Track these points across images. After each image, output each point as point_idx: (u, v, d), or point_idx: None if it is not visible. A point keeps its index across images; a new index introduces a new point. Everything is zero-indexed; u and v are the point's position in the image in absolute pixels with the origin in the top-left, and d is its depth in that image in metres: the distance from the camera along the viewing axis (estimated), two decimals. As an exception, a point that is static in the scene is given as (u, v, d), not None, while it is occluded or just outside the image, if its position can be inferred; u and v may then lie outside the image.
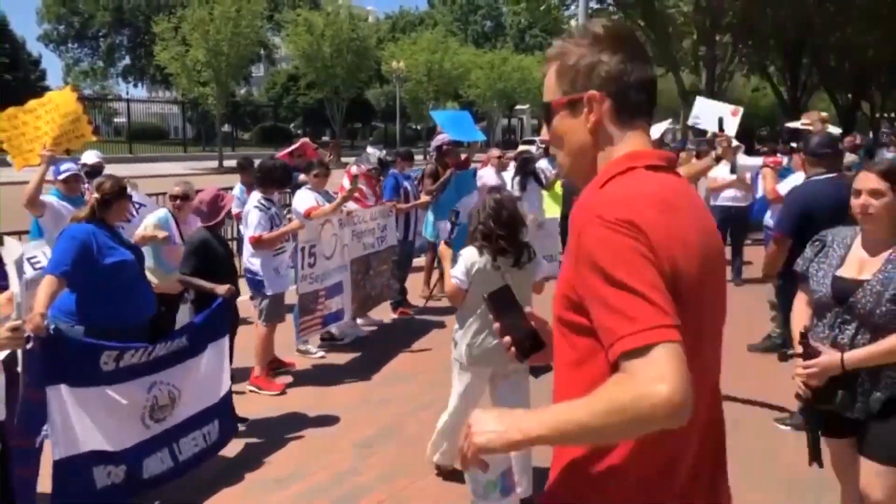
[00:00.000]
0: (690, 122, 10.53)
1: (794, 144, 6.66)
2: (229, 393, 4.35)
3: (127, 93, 50.88)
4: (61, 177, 5.34)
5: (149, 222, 4.97)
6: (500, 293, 1.70)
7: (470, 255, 3.64)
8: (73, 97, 5.53)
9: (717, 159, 5.03)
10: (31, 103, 5.30)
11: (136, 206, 6.60)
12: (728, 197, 8.87)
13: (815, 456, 2.71)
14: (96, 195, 3.92)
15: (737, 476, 4.21)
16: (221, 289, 4.43)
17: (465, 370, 3.79)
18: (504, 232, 3.57)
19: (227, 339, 4.35)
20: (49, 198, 5.17)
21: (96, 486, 3.46)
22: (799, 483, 4.00)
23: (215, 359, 4.20)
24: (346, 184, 6.74)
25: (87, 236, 3.77)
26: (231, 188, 9.20)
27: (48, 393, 3.30)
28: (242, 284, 6.71)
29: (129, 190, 7.01)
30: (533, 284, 3.76)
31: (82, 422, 3.43)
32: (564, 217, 9.63)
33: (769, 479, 4.07)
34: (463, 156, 8.43)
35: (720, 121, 5.42)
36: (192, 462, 3.99)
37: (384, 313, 7.36)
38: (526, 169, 9.57)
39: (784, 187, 5.97)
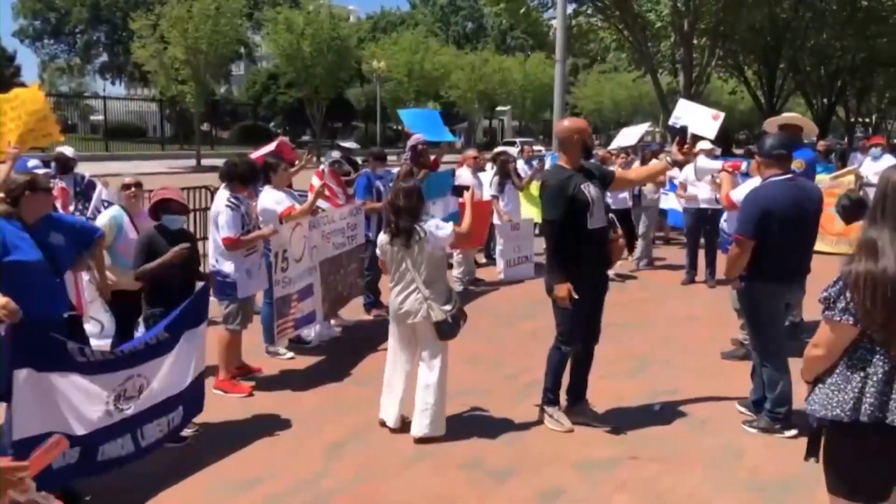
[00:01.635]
0: (671, 121, 10.61)
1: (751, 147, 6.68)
2: (200, 377, 4.43)
3: (104, 90, 50.40)
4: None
5: (101, 222, 4.98)
6: None
7: (382, 235, 4.65)
8: (40, 95, 5.46)
9: (674, 164, 5.08)
10: None
11: (105, 203, 6.56)
12: (701, 199, 8.92)
13: (812, 452, 2.64)
14: (1, 194, 3.96)
15: (702, 478, 4.25)
16: (173, 252, 4.48)
17: (391, 323, 4.70)
18: (394, 218, 4.44)
19: (204, 328, 4.44)
20: None
21: (51, 467, 3.38)
22: (763, 485, 4.02)
23: (188, 347, 4.27)
24: (316, 182, 6.69)
25: None
26: (207, 187, 9.18)
27: (14, 375, 3.34)
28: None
29: (98, 188, 7.03)
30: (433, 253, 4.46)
31: (43, 406, 3.47)
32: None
33: (734, 480, 4.09)
34: (432, 156, 8.40)
35: (684, 130, 5.46)
36: (154, 447, 4.08)
37: (354, 313, 7.32)
38: (504, 170, 9.60)
39: (738, 193, 5.97)
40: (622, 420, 4.77)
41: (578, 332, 4.62)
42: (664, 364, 6.06)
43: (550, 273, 4.55)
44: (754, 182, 6.02)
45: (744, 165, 6.39)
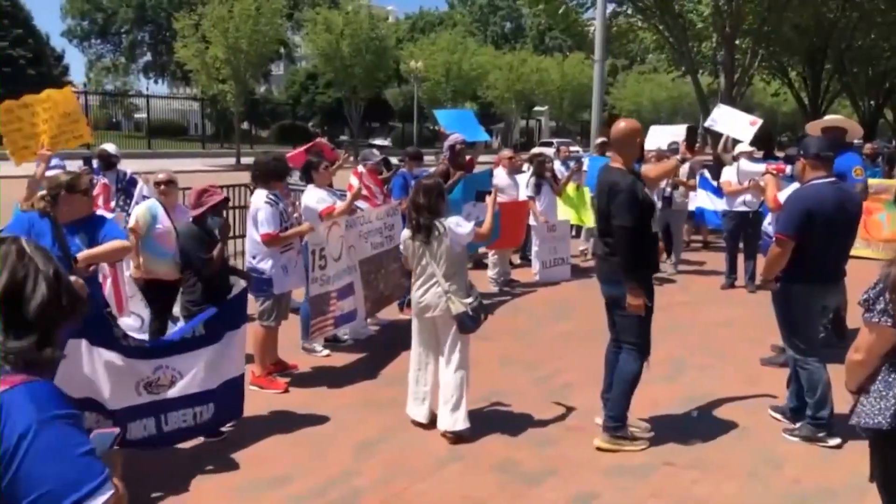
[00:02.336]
0: (707, 123, 10.48)
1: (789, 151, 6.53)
2: (237, 381, 4.45)
3: (147, 89, 51.30)
4: (48, 174, 5.43)
5: (138, 212, 5.30)
6: None
7: (404, 231, 4.77)
8: (73, 97, 5.58)
9: (683, 160, 5.10)
10: (27, 98, 5.32)
11: (146, 199, 6.69)
12: (741, 202, 8.76)
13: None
14: (43, 191, 4.07)
15: (740, 487, 4.16)
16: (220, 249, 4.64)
17: (414, 319, 4.76)
18: (415, 214, 4.53)
19: (243, 331, 4.52)
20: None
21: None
22: (805, 495, 3.92)
23: (228, 348, 4.35)
24: (355, 182, 6.73)
25: (19, 226, 3.90)
26: (248, 185, 9.26)
27: (69, 343, 3.55)
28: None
29: (139, 184, 7.17)
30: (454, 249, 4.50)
31: (85, 374, 3.71)
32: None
33: (774, 490, 3.99)
34: (467, 157, 8.37)
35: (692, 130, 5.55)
36: (176, 436, 4.17)
37: (390, 313, 7.33)
38: (540, 171, 9.53)
39: (784, 196, 5.84)
40: (657, 426, 4.69)
41: (649, 341, 4.53)
42: (701, 370, 5.96)
43: (621, 281, 4.33)
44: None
45: (788, 169, 6.24)
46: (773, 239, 4.67)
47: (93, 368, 3.75)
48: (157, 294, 5.40)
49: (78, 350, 3.68)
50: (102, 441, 1.69)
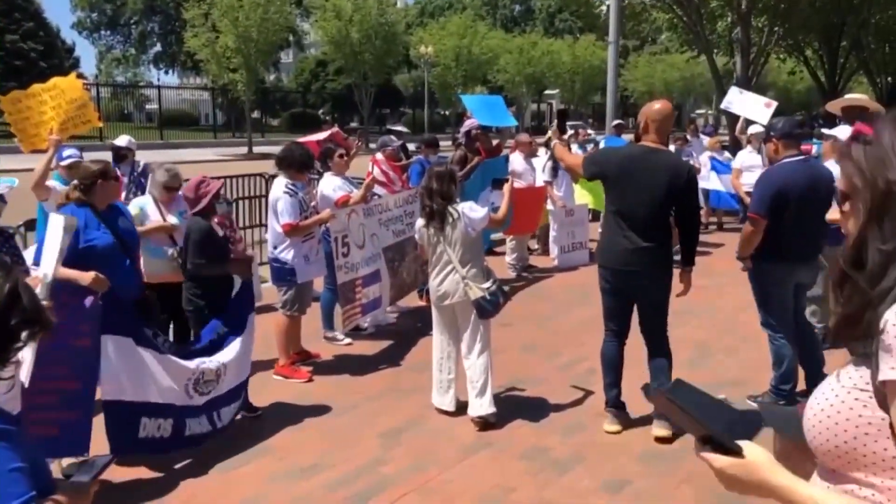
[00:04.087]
0: (723, 105, 10.34)
1: (824, 131, 6.38)
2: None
3: (158, 79, 51.43)
4: (64, 163, 5.57)
5: (132, 211, 4.94)
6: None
7: (419, 220, 4.72)
8: (78, 83, 5.61)
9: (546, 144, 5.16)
10: (35, 87, 5.43)
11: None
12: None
13: None
14: (75, 181, 4.15)
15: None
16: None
17: (433, 308, 4.75)
18: (428, 201, 4.51)
19: (253, 314, 4.62)
20: (53, 182, 5.44)
21: (138, 434, 3.85)
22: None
23: (249, 336, 4.48)
24: (376, 172, 6.69)
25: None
26: (262, 174, 9.25)
27: (103, 341, 3.72)
28: (265, 270, 6.71)
29: (151, 175, 7.13)
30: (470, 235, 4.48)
31: (129, 374, 3.82)
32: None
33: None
34: (495, 141, 8.31)
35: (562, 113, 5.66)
36: (228, 427, 4.34)
37: (409, 300, 7.30)
38: (556, 155, 9.45)
39: None
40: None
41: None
42: (727, 353, 5.90)
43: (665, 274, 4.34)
44: (827, 165, 5.81)
45: (814, 149, 6.16)
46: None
47: (130, 364, 3.82)
48: (163, 297, 4.85)
49: (110, 346, 3.75)
50: (90, 467, 1.68)
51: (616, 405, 4.50)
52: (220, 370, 4.18)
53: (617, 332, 4.46)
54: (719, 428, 1.28)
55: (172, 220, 5.04)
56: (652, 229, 4.19)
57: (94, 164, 4.25)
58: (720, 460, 1.26)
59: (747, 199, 8.48)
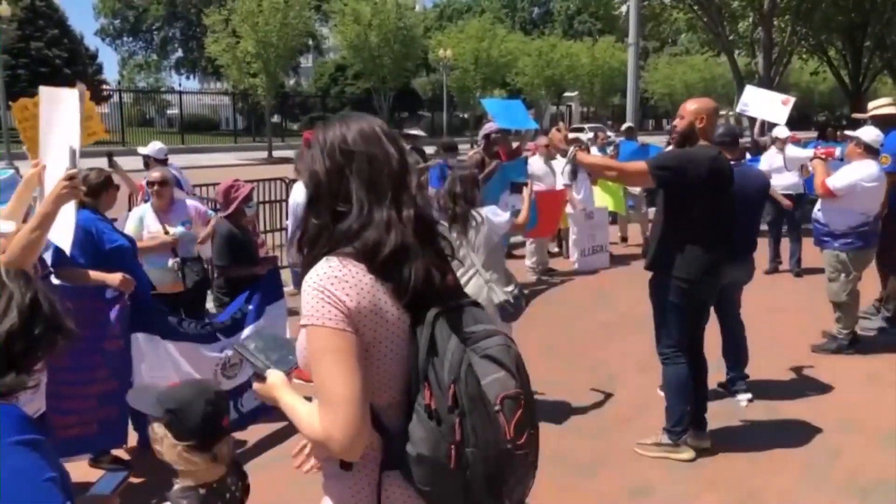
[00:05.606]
0: (739, 108, 10.21)
1: (848, 132, 6.27)
2: None
3: (179, 84, 51.77)
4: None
5: (129, 227, 5.04)
6: None
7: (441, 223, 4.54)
8: (84, 94, 5.63)
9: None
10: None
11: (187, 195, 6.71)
12: (784, 185, 8.56)
13: None
14: (83, 187, 4.09)
15: (796, 477, 4.05)
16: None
17: None
18: (451, 205, 4.43)
19: (283, 303, 4.74)
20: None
21: None
22: (863, 486, 3.81)
23: (276, 321, 4.60)
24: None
25: (88, 223, 3.99)
26: (283, 178, 9.28)
27: (132, 339, 3.88)
28: (286, 274, 6.73)
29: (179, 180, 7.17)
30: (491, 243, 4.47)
31: (158, 368, 3.92)
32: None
33: (831, 481, 3.89)
34: (515, 144, 8.29)
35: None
36: (251, 416, 4.44)
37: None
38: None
39: (836, 180, 5.66)
40: (709, 416, 4.59)
41: None
42: (751, 357, 5.81)
43: None
44: (850, 167, 5.72)
45: (838, 151, 6.07)
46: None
47: (161, 359, 3.97)
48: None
49: (140, 343, 3.90)
50: (107, 483, 1.68)
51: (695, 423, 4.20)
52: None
53: (691, 347, 4.15)
54: (263, 364, 1.80)
55: (174, 230, 5.09)
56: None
57: (96, 172, 4.29)
58: (256, 384, 1.81)
59: (786, 203, 8.38)
